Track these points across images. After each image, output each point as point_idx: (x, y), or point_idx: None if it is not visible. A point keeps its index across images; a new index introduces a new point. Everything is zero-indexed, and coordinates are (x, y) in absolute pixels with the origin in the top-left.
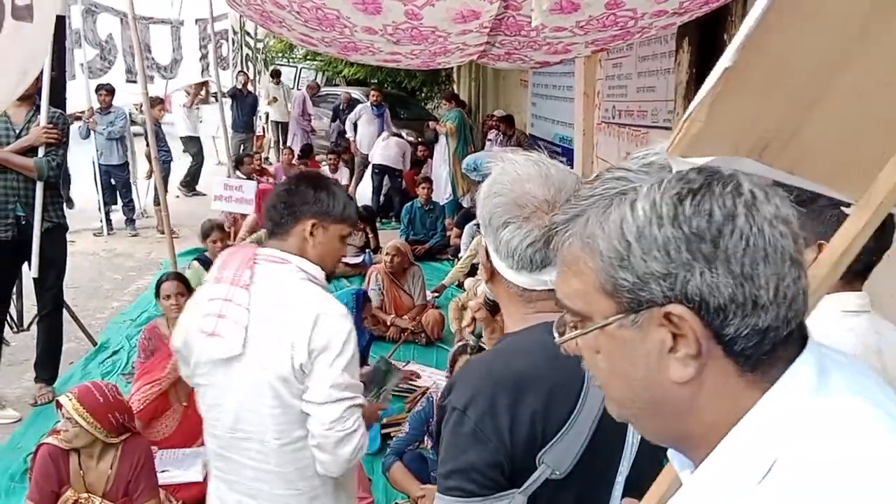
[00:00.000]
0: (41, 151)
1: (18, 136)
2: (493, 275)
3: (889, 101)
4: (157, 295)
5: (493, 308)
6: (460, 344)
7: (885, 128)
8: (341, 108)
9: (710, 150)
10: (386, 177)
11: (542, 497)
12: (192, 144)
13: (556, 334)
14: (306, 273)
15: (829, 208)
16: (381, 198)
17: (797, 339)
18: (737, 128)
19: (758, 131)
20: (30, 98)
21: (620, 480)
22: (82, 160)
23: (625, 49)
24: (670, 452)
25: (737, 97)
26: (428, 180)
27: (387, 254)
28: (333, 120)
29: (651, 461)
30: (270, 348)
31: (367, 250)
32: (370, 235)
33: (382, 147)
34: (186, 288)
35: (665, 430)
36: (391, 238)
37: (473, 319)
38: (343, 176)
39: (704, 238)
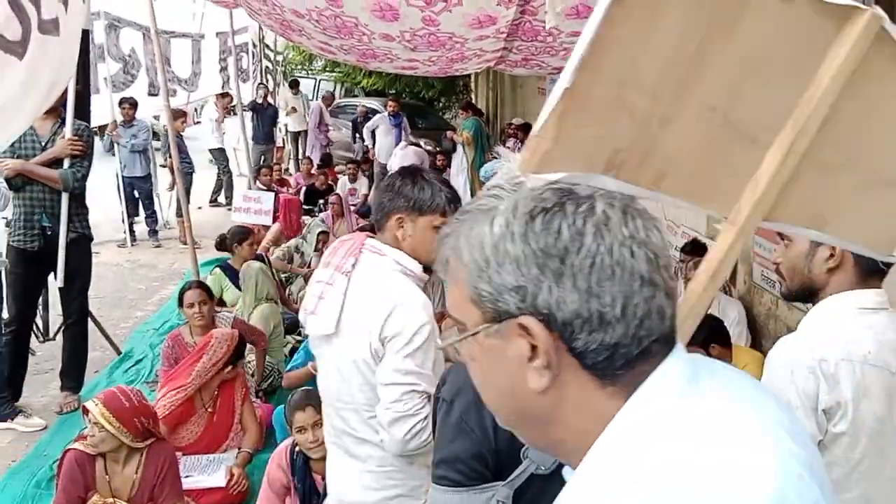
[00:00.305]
0: (66, 163)
1: (44, 149)
2: None
3: (743, 117)
4: (181, 303)
5: None
6: None
7: (746, 143)
8: (358, 120)
9: (563, 167)
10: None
11: (530, 491)
12: (223, 157)
13: (439, 341)
14: (401, 266)
15: None
16: None
17: (660, 354)
18: (588, 146)
19: (609, 149)
20: (55, 111)
21: None
22: (105, 173)
23: None
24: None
25: (582, 116)
26: None
27: None
28: (354, 131)
29: None
30: (355, 332)
31: None
32: None
33: (401, 156)
34: (209, 296)
35: (539, 437)
36: None
37: None
38: (362, 185)
39: (551, 255)
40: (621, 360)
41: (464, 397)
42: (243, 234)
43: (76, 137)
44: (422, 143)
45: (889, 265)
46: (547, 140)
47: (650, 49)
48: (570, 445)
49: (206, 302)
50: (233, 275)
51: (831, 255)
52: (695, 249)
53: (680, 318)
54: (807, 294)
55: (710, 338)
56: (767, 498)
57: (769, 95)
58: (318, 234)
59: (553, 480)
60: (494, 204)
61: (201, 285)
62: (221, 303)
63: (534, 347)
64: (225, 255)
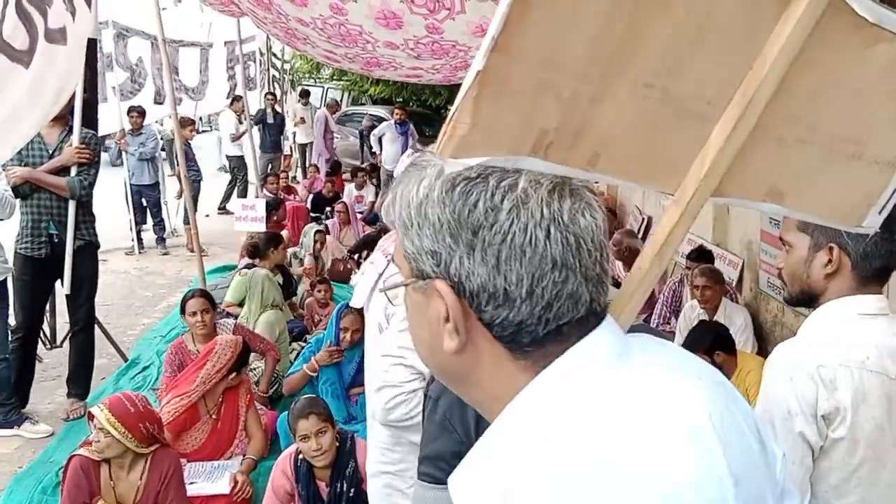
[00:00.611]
0: (73, 171)
1: (52, 157)
2: None
3: (686, 93)
4: (183, 312)
5: None
6: None
7: (692, 119)
8: (364, 132)
9: (484, 151)
10: None
11: None
12: (243, 164)
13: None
14: None
15: None
16: None
17: (575, 336)
18: (511, 129)
19: (536, 131)
20: (62, 119)
21: None
22: (113, 180)
23: None
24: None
25: (501, 100)
26: None
27: None
28: (361, 140)
29: None
30: (376, 308)
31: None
32: None
33: (407, 163)
34: (211, 305)
35: (464, 394)
36: None
37: None
38: (369, 193)
39: (465, 226)
40: (527, 338)
41: (448, 396)
42: (276, 239)
43: (83, 145)
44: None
45: (889, 271)
46: (464, 125)
47: (572, 29)
48: (487, 408)
49: (207, 311)
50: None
51: (829, 261)
52: (700, 256)
53: (626, 295)
54: (807, 299)
55: (715, 345)
56: (686, 479)
57: (714, 70)
58: (315, 234)
59: None
60: (427, 165)
61: (203, 294)
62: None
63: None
64: (231, 261)
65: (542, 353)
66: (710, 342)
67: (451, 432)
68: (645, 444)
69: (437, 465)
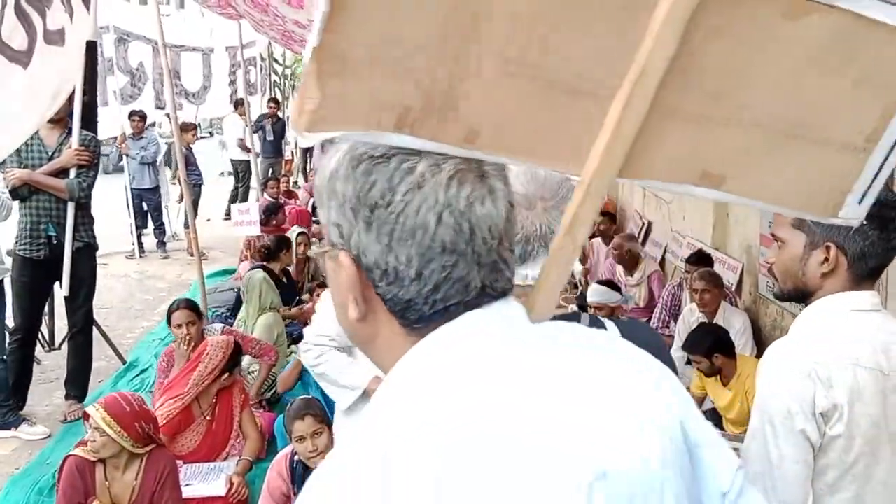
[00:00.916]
0: (73, 173)
1: (51, 158)
2: None
3: (564, 70)
4: (169, 323)
5: None
6: None
7: (582, 98)
8: None
9: (339, 125)
10: None
11: None
12: (249, 169)
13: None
14: None
15: None
16: None
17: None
18: (365, 104)
19: (397, 107)
20: (62, 121)
21: None
22: (114, 184)
23: None
24: None
25: (346, 75)
26: None
27: None
28: None
29: None
30: None
31: None
32: None
33: None
34: (197, 316)
35: (371, 358)
36: None
37: None
38: None
39: (364, 203)
40: (415, 315)
41: None
42: (286, 242)
43: (83, 147)
44: None
45: (882, 269)
46: (312, 100)
47: (413, 7)
48: (388, 374)
49: (193, 322)
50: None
51: (825, 260)
52: (699, 260)
53: (543, 277)
54: (800, 296)
55: (714, 347)
56: (570, 454)
57: (595, 46)
58: (298, 235)
59: None
60: (345, 140)
61: (189, 305)
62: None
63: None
64: (231, 265)
65: (429, 329)
66: (709, 345)
67: None
68: (524, 418)
69: None
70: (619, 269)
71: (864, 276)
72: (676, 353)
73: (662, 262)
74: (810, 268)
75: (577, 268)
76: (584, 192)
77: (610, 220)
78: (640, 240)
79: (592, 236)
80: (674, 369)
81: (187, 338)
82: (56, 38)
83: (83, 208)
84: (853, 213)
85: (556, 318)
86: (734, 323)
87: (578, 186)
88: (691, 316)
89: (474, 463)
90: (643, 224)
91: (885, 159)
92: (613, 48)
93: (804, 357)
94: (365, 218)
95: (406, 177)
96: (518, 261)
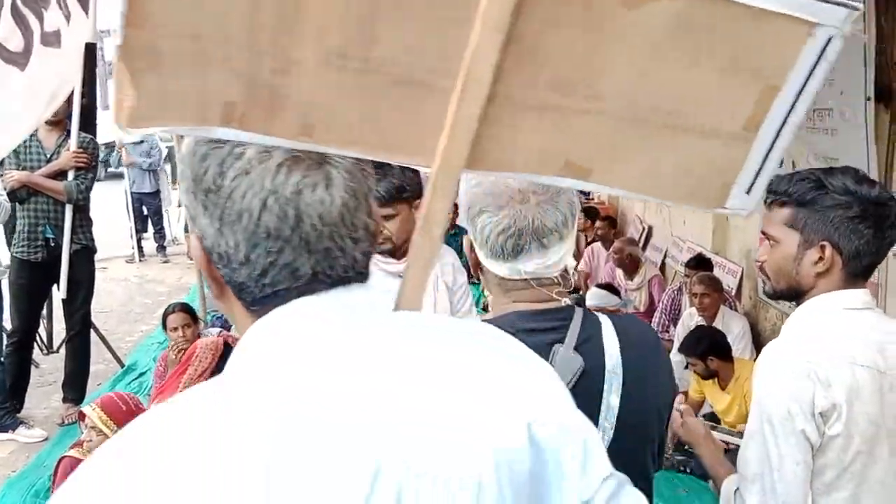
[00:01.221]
0: (71, 175)
1: (49, 161)
2: (478, 265)
3: (394, 62)
4: (164, 326)
5: None
6: None
7: (420, 90)
8: None
9: (161, 120)
10: None
11: None
12: None
13: None
14: None
15: (834, 209)
16: None
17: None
18: (187, 99)
19: (219, 102)
20: (60, 123)
21: None
22: (114, 188)
23: None
24: None
25: (161, 71)
26: (453, 204)
27: None
28: None
29: (628, 464)
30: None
31: None
32: None
33: None
34: (192, 319)
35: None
36: None
37: None
38: None
39: (201, 187)
40: (249, 298)
41: None
42: None
43: (81, 150)
44: None
45: (875, 267)
46: (129, 97)
47: (221, 3)
48: None
49: (189, 325)
50: None
51: (820, 259)
52: (699, 264)
53: (406, 275)
54: (793, 295)
55: (709, 350)
56: (389, 444)
57: (428, 37)
58: None
59: None
60: None
61: (184, 308)
62: None
63: None
64: None
65: (265, 311)
66: (704, 347)
67: None
68: (349, 403)
69: None
70: (620, 273)
71: (858, 274)
72: (675, 357)
73: (663, 267)
74: (804, 267)
75: (571, 263)
76: (432, 188)
77: (609, 225)
78: (641, 244)
79: (592, 241)
80: (669, 369)
81: (182, 340)
82: (52, 39)
83: (81, 211)
84: (742, 203)
85: (548, 311)
86: (733, 327)
87: (427, 183)
88: (690, 320)
89: (301, 449)
90: (643, 229)
91: (770, 148)
92: (447, 39)
93: (802, 357)
94: (202, 202)
95: (235, 162)
96: (511, 254)
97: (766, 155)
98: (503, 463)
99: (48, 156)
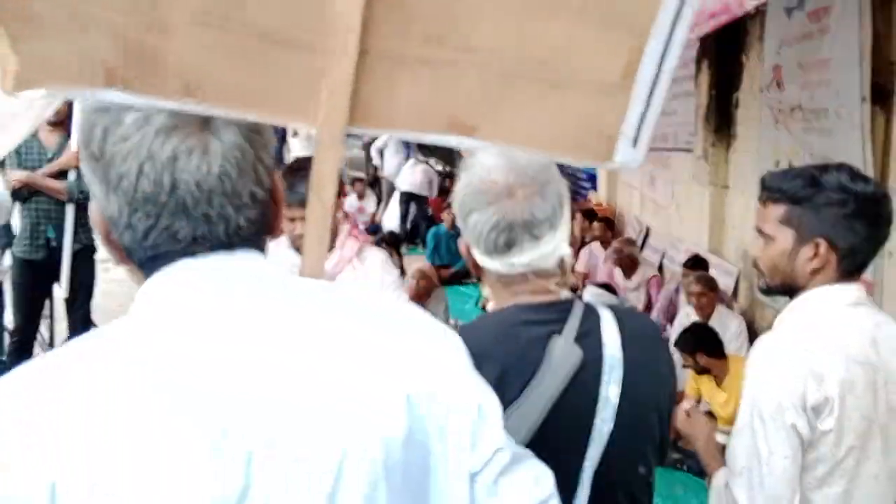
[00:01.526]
0: (72, 175)
1: (51, 160)
2: (476, 267)
3: (266, 20)
4: None
5: None
6: None
7: (296, 50)
8: (367, 143)
9: (46, 83)
10: (412, 203)
11: None
12: None
13: None
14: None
15: (828, 206)
16: (409, 224)
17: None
18: (70, 62)
19: (100, 64)
20: (62, 124)
21: (588, 474)
22: None
23: None
24: None
25: (45, 36)
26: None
27: (412, 277)
28: (366, 151)
29: (629, 458)
30: None
31: None
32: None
33: (409, 174)
34: None
35: None
36: (417, 263)
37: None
38: (370, 203)
39: (88, 153)
40: (137, 261)
41: None
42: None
43: None
44: (431, 162)
45: (868, 263)
46: (11, 62)
47: None
48: None
49: None
50: None
51: (814, 256)
52: (696, 264)
53: (305, 239)
54: (788, 291)
55: (698, 346)
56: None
57: None
58: None
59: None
60: None
61: None
62: None
63: None
64: None
65: (151, 273)
66: (693, 343)
67: None
68: (207, 369)
69: None
70: (618, 272)
71: (853, 270)
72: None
73: (660, 268)
74: (799, 264)
75: (567, 251)
76: (318, 149)
77: (607, 226)
78: (639, 245)
79: (591, 241)
80: (670, 362)
81: None
82: None
83: (82, 210)
84: (629, 156)
85: (548, 304)
86: (730, 326)
87: (315, 143)
88: (687, 320)
89: (156, 411)
90: (641, 229)
91: (650, 97)
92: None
93: (794, 351)
94: (92, 168)
95: (116, 129)
96: (504, 248)
97: (647, 105)
98: (374, 436)
99: (49, 156)
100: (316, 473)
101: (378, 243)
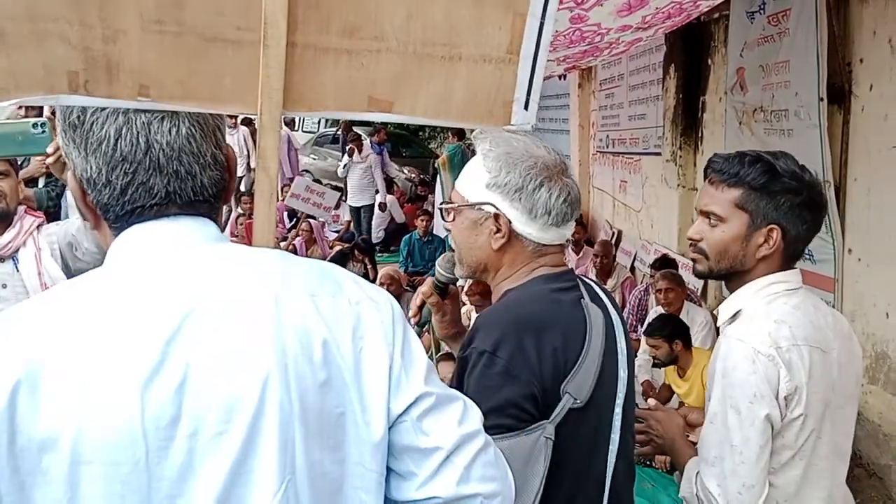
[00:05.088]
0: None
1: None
2: (509, 240)
3: (201, 22)
4: None
5: (442, 292)
6: (441, 354)
7: (230, 45)
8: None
9: (20, 92)
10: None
11: (567, 426)
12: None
13: None
14: None
15: (783, 194)
16: (382, 232)
17: (152, 218)
18: (36, 72)
19: (63, 72)
20: None
21: (618, 413)
22: None
23: (616, 79)
24: None
25: (14, 48)
26: (427, 213)
27: (381, 282)
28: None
29: (631, 399)
30: None
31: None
32: (369, 267)
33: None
34: None
35: None
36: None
37: (419, 309)
38: (346, 212)
39: (68, 125)
40: (112, 216)
41: (507, 346)
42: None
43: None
44: (405, 171)
45: (803, 252)
46: None
47: None
48: None
49: None
50: None
51: (765, 242)
52: (664, 264)
53: (255, 211)
54: (729, 276)
55: (675, 334)
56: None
57: None
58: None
59: (585, 413)
60: None
61: None
62: None
63: None
64: None
65: (123, 229)
66: (671, 329)
67: (517, 377)
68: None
69: (507, 412)
70: (592, 276)
71: (795, 257)
72: (643, 356)
73: (632, 270)
74: (750, 248)
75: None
76: (260, 130)
77: (582, 229)
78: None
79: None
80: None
81: None
82: None
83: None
84: (524, 118)
85: (563, 273)
86: (697, 318)
87: (257, 126)
88: None
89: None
90: (613, 233)
91: (533, 66)
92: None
93: (764, 340)
94: (71, 137)
95: (107, 115)
96: (570, 218)
97: (532, 73)
98: (292, 380)
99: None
100: (243, 385)
101: (351, 250)
